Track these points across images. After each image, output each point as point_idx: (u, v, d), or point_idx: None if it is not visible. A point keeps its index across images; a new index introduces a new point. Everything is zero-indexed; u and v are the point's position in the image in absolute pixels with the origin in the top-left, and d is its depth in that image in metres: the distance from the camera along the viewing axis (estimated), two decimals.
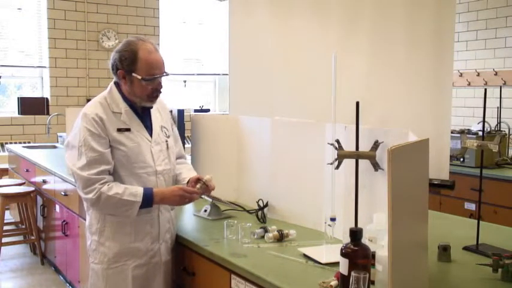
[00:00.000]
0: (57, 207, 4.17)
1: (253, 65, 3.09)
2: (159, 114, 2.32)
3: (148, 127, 2.24)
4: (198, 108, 7.74)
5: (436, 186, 2.09)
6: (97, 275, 2.21)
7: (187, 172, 2.38)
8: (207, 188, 2.25)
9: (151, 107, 2.27)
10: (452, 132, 2.76)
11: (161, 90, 2.20)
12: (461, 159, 4.30)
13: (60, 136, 6.01)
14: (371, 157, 1.93)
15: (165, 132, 2.31)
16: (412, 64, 2.33)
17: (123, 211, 2.10)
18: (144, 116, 2.24)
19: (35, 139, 6.78)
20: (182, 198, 2.17)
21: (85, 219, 2.36)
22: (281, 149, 2.56)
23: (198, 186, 2.24)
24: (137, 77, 2.12)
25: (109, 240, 2.17)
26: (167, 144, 2.28)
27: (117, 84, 2.22)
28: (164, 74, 2.18)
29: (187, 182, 2.30)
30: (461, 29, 6.09)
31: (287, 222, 2.47)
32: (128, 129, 2.16)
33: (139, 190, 2.11)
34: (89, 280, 2.28)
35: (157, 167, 2.20)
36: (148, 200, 2.11)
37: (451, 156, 2.31)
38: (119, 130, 2.14)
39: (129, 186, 2.12)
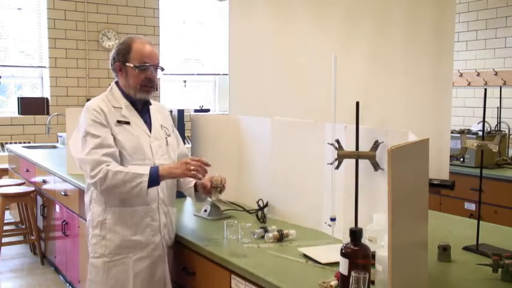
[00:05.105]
0: (57, 207, 4.17)
1: (253, 65, 3.09)
2: (159, 114, 2.38)
3: (148, 123, 2.30)
4: (198, 108, 7.73)
5: (436, 186, 2.08)
6: (97, 269, 2.21)
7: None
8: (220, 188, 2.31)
9: (150, 103, 2.34)
10: (452, 132, 2.75)
11: (155, 82, 2.28)
12: (461, 159, 4.30)
13: (60, 136, 6.00)
14: (371, 157, 1.93)
15: (165, 131, 2.35)
16: (412, 64, 2.33)
17: (133, 187, 2.09)
18: (143, 112, 2.31)
19: (35, 139, 6.77)
20: (187, 165, 2.17)
21: (85, 220, 2.36)
22: (281, 149, 2.56)
23: (213, 196, 2.31)
24: (130, 65, 2.22)
25: (110, 233, 2.19)
26: (167, 141, 2.32)
27: (117, 83, 2.31)
28: (158, 65, 2.27)
29: (195, 185, 2.35)
30: (461, 29, 6.08)
31: (287, 222, 2.47)
32: (128, 123, 2.22)
33: (145, 166, 2.15)
34: (87, 276, 2.28)
35: (155, 161, 2.23)
36: (155, 173, 2.12)
37: (451, 156, 2.31)
38: (119, 122, 2.20)
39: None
